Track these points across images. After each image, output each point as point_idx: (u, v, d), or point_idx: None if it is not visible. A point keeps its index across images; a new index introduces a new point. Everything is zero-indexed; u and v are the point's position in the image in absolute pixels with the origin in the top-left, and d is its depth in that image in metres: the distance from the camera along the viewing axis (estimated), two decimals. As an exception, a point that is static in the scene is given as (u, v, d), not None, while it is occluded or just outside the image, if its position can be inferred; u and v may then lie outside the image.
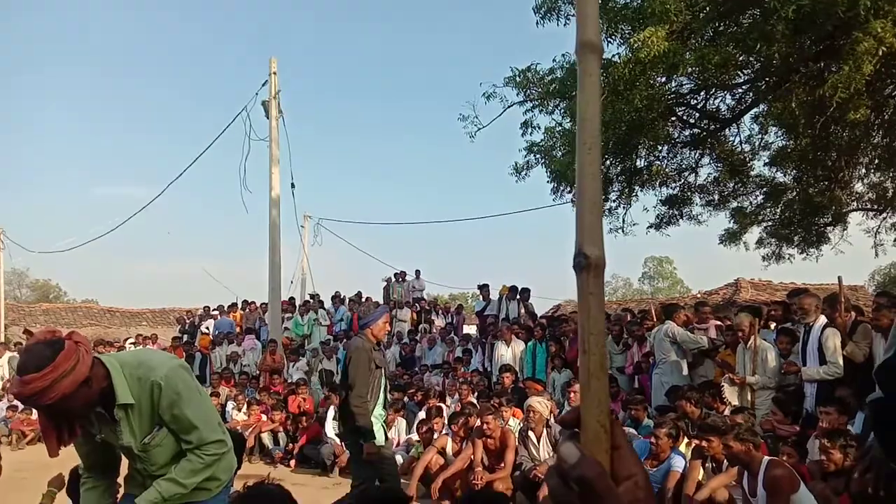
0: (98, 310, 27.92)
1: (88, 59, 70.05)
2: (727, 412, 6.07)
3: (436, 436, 7.48)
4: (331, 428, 8.60)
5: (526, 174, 10.26)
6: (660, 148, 9.97)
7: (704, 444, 4.98)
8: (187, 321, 18.16)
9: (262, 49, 71.57)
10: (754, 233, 11.97)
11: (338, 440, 8.46)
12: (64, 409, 2.19)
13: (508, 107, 9.71)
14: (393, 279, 16.19)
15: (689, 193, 11.08)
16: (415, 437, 8.14)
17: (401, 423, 8.70)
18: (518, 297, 12.27)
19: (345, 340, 13.41)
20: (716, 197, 11.24)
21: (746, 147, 10.66)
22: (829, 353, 5.86)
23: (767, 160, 10.65)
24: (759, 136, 10.50)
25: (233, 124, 13.59)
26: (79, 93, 70.49)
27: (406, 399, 9.45)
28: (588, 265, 0.57)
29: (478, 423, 6.81)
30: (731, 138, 10.63)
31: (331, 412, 8.77)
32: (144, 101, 72.34)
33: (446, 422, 7.56)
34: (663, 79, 8.19)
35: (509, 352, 10.05)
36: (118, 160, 73.58)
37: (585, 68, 0.60)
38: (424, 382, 10.72)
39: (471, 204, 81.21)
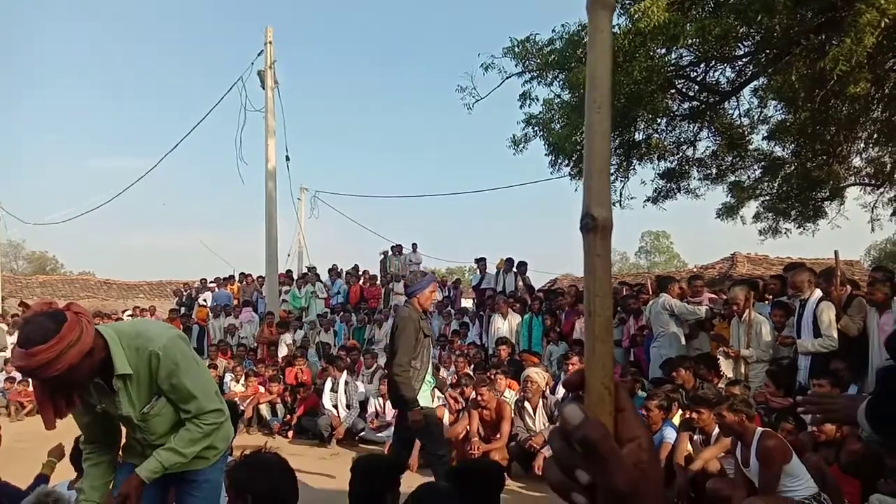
0: (95, 282, 27.86)
1: (84, 30, 69.05)
2: (722, 385, 6.14)
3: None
4: (328, 399, 8.68)
5: (524, 147, 10.16)
6: (658, 121, 9.86)
7: (694, 415, 5.05)
8: (184, 293, 18.19)
9: (259, 16, 70.38)
10: (751, 207, 11.96)
11: (335, 411, 8.55)
12: (69, 381, 2.18)
13: (507, 78, 9.58)
14: (390, 252, 16.18)
15: (686, 167, 11.01)
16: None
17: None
18: (515, 270, 12.29)
19: (342, 313, 13.47)
20: (713, 171, 11.18)
21: (745, 121, 10.58)
22: (823, 327, 5.91)
23: (766, 134, 10.59)
24: (759, 109, 10.42)
25: (229, 95, 13.40)
26: (75, 63, 69.59)
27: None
28: (595, 226, 0.56)
29: (473, 394, 6.89)
30: (731, 112, 10.55)
31: (328, 384, 8.84)
32: (141, 71, 71.54)
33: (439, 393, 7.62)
34: (663, 50, 8.07)
35: (506, 325, 10.09)
36: (115, 131, 73.11)
37: (596, 24, 0.57)
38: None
39: (468, 178, 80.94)
